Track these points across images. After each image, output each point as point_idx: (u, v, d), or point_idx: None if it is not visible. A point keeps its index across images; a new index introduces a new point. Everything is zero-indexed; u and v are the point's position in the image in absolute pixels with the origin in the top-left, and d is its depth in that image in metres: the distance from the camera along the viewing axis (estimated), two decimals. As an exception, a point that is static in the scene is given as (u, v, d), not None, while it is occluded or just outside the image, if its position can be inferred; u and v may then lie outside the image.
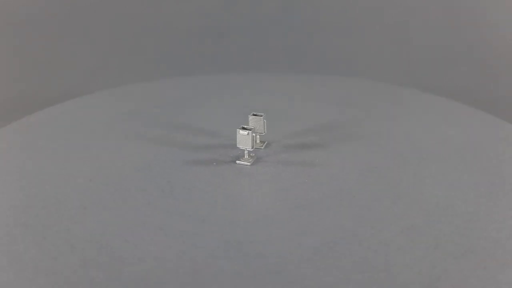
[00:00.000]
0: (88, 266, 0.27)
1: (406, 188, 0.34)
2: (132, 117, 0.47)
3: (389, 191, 0.34)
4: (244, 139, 0.37)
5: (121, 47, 0.86)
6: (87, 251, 0.28)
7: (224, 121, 0.45)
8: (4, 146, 0.42)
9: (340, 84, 0.58)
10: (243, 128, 0.37)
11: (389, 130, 0.44)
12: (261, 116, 0.39)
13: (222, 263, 0.27)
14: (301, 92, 0.54)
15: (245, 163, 0.37)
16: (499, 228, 0.30)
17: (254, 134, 0.37)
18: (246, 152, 0.38)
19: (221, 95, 0.54)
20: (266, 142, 0.41)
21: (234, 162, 0.38)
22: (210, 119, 0.46)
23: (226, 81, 0.59)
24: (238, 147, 0.37)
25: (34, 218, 0.31)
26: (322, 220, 0.31)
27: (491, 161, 0.38)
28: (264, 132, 0.40)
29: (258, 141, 0.40)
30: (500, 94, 0.77)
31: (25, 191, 0.34)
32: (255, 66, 0.83)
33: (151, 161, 0.38)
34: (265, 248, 0.28)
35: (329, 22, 0.87)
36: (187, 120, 0.46)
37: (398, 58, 0.84)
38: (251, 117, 0.39)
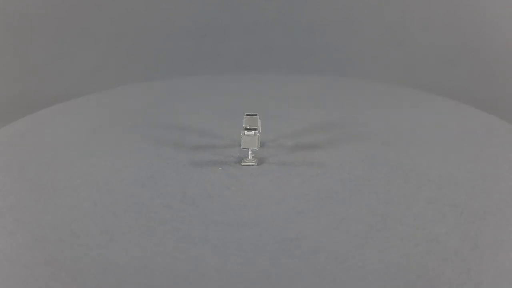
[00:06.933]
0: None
1: (411, 169, 0.36)
2: (132, 117, 0.47)
3: (396, 174, 0.36)
4: (249, 140, 0.36)
5: (121, 47, 0.86)
6: (128, 276, 0.26)
7: (225, 121, 0.45)
8: (4, 146, 0.42)
9: (339, 84, 0.58)
10: (248, 129, 0.36)
11: (390, 131, 0.44)
12: (255, 115, 0.39)
13: (285, 261, 0.27)
14: (300, 92, 0.54)
15: (251, 163, 0.37)
16: (501, 191, 0.34)
17: (259, 134, 0.37)
18: (250, 153, 0.37)
19: (223, 95, 0.54)
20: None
21: (239, 163, 0.37)
22: (212, 119, 0.46)
23: (227, 81, 0.59)
24: (241, 148, 0.37)
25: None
26: (353, 208, 0.32)
27: (488, 155, 0.39)
28: (259, 132, 0.39)
29: None
30: (500, 94, 0.78)
31: (25, 193, 0.34)
32: (254, 66, 0.83)
33: (158, 166, 0.37)
34: (317, 242, 0.29)
35: (328, 22, 0.87)
36: (185, 120, 0.46)
37: (398, 58, 0.84)
38: (246, 118, 0.39)
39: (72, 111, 0.49)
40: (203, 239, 0.29)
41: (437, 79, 0.80)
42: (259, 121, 0.39)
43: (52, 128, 0.45)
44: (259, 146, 0.37)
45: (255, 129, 0.36)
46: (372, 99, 0.52)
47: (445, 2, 0.86)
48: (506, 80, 0.80)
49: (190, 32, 0.86)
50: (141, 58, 0.85)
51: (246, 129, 0.36)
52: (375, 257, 0.27)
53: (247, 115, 0.39)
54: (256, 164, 0.37)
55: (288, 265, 0.27)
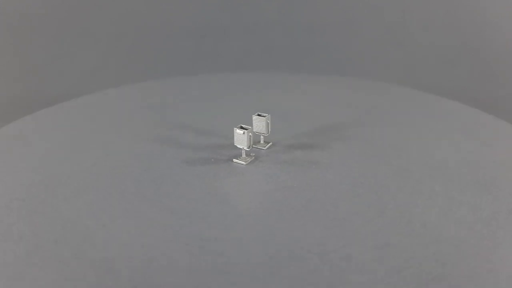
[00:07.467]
0: (60, 244, 0.29)
1: (394, 204, 0.32)
2: (132, 116, 0.47)
3: (375, 205, 0.32)
4: (240, 138, 0.37)
5: (121, 47, 0.86)
6: (64, 230, 0.31)
7: (227, 120, 0.45)
8: (4, 146, 0.42)
9: (340, 84, 0.57)
10: (241, 127, 0.37)
11: (390, 132, 0.44)
12: (265, 116, 0.39)
13: (178, 257, 0.28)
14: (302, 93, 0.54)
15: (241, 162, 0.37)
16: (483, 260, 0.27)
17: (251, 134, 0.37)
18: (243, 151, 0.38)
19: (224, 95, 0.54)
20: (270, 143, 0.40)
21: (232, 161, 0.38)
22: (213, 119, 0.46)
23: (227, 81, 0.59)
24: (236, 146, 0.37)
25: (29, 204, 0.33)
26: (293, 228, 0.30)
27: (495, 177, 0.35)
28: (268, 133, 0.39)
29: (262, 141, 0.40)
30: (500, 94, 0.78)
31: (24, 184, 0.35)
32: (256, 66, 0.83)
33: (149, 157, 0.39)
34: (226, 247, 0.29)
35: (328, 22, 0.87)
36: (189, 119, 0.46)
37: (398, 58, 0.84)
38: (255, 117, 0.39)
39: (72, 111, 0.49)
40: (138, 219, 0.31)
41: (437, 79, 0.80)
42: (269, 122, 0.39)
43: (52, 128, 0.45)
44: (250, 146, 0.37)
45: (247, 128, 0.37)
46: (372, 99, 0.52)
47: (445, 2, 0.86)
48: (506, 80, 0.80)
49: (190, 32, 0.86)
50: (141, 58, 0.85)
51: (241, 127, 0.37)
52: (260, 285, 0.26)
53: (258, 114, 0.39)
54: (245, 163, 0.37)
55: (188, 259, 0.28)
